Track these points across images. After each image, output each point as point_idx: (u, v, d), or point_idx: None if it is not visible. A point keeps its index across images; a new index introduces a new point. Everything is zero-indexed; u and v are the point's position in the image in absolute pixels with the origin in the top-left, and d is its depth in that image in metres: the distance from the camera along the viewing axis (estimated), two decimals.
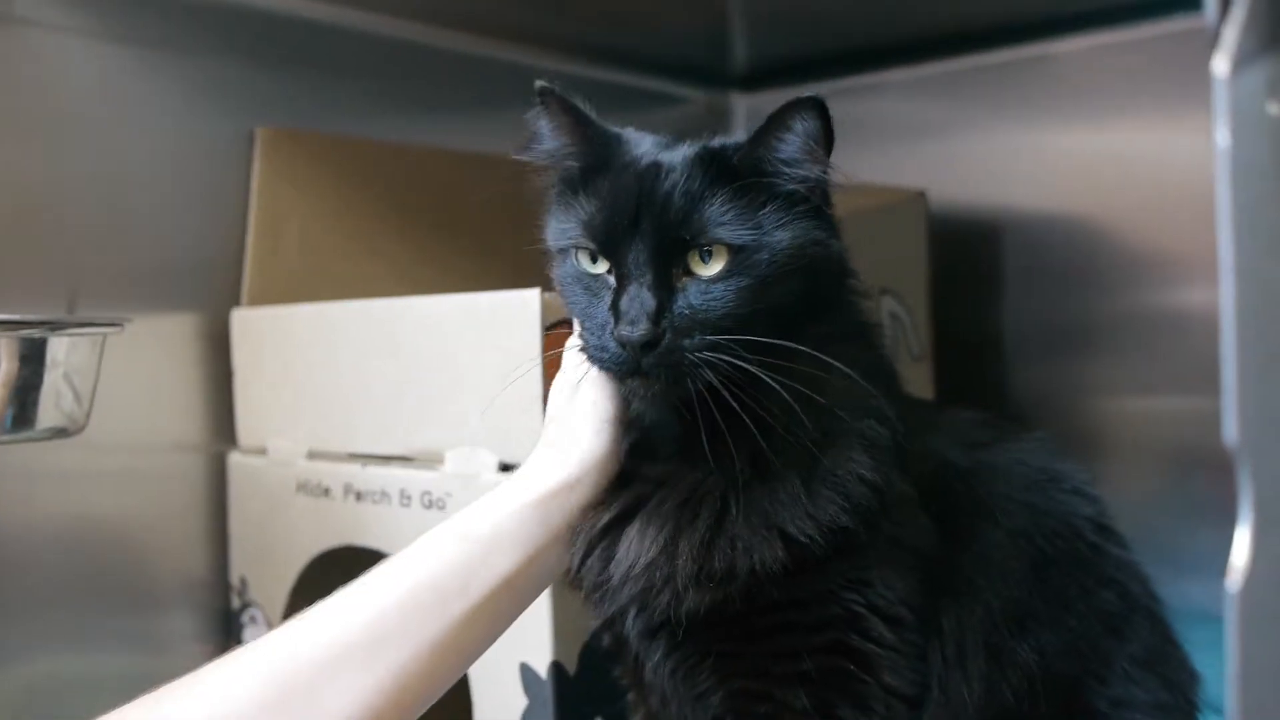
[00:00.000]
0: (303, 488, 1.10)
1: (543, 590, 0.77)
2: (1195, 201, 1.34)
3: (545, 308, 0.92)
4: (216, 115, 1.22)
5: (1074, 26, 1.46)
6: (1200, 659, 0.81)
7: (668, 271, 0.68)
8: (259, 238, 1.22)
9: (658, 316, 0.66)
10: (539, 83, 0.74)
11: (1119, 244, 1.43)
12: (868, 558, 0.70)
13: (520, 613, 0.74)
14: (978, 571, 0.72)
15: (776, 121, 0.68)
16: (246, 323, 1.18)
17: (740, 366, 0.66)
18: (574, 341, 0.76)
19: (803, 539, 0.67)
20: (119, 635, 1.16)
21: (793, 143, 0.68)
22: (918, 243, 1.39)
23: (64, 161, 1.11)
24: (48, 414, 0.85)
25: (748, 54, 1.70)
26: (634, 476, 0.74)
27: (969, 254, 1.52)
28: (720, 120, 1.79)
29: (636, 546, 0.72)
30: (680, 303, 0.67)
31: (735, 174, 0.69)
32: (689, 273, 0.68)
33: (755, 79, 1.77)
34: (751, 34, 1.59)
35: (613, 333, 0.67)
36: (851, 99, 1.66)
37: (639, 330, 0.66)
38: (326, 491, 1.08)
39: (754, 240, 0.68)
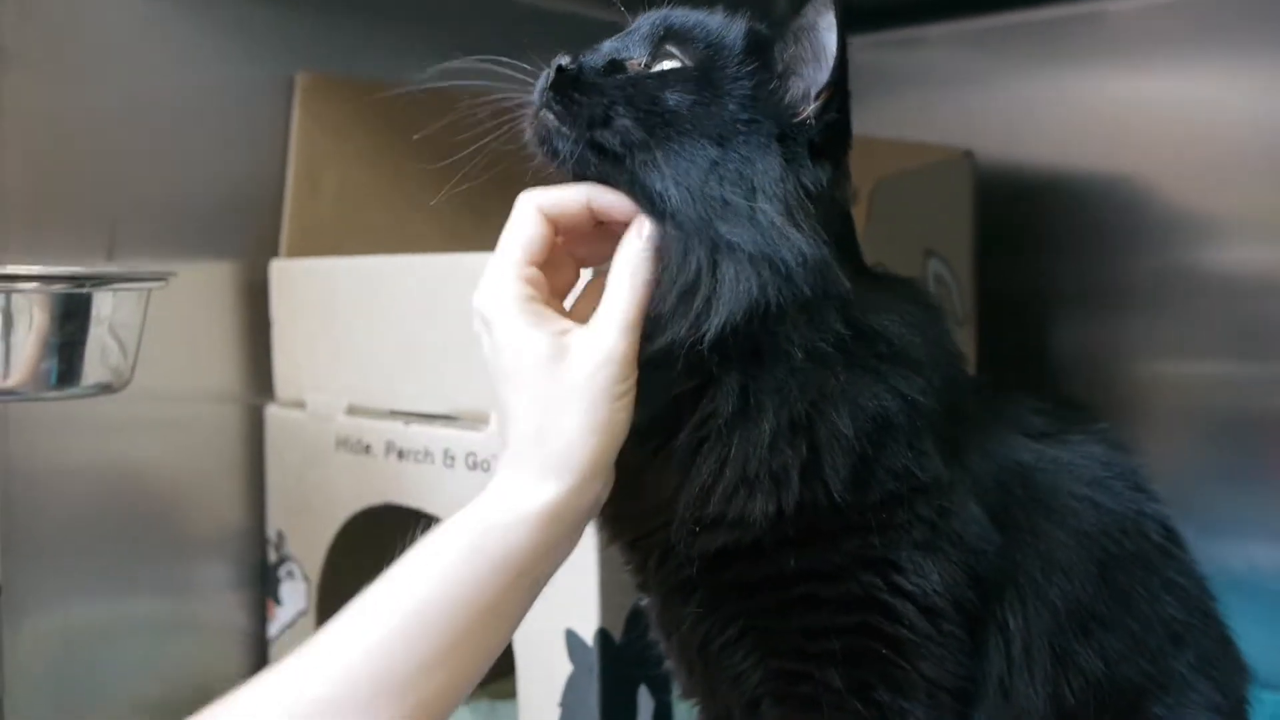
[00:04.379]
0: (343, 444, 1.09)
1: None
2: (1246, 160, 1.34)
3: None
4: (256, 60, 1.19)
5: None
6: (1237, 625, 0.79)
7: None
8: (298, 186, 1.20)
9: None
10: None
11: (1166, 203, 1.40)
12: (895, 539, 0.68)
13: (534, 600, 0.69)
14: (1042, 571, 0.70)
15: None
16: (285, 274, 1.16)
17: None
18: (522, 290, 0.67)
19: (769, 508, 0.66)
20: (156, 583, 1.16)
21: None
22: (964, 204, 1.36)
23: (102, 105, 1.09)
24: (93, 370, 0.83)
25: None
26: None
27: (1013, 213, 1.48)
28: None
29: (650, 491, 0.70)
30: None
31: None
32: None
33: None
34: None
35: None
36: (894, 51, 1.63)
37: None
38: (367, 449, 1.07)
39: None
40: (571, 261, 0.72)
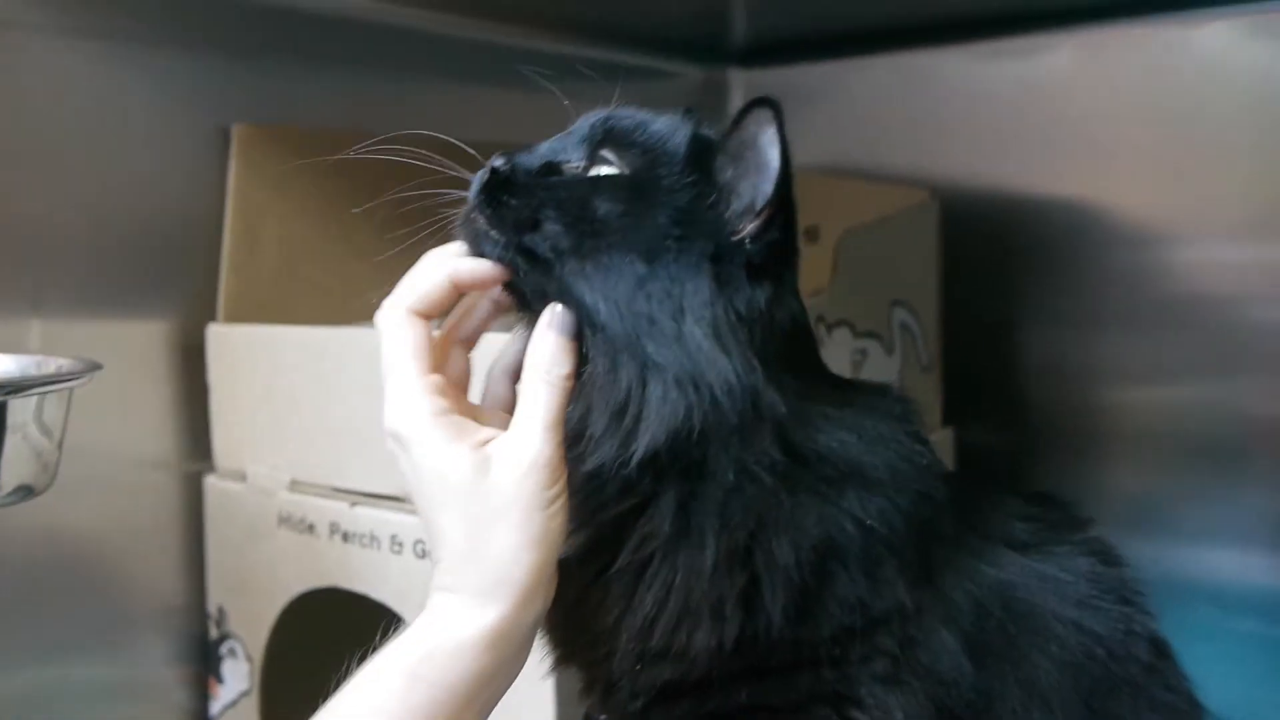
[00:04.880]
0: (285, 521, 1.04)
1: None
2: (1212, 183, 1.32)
3: None
4: (189, 112, 1.13)
5: (1075, 18, 1.40)
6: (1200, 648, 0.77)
7: None
8: (236, 242, 1.14)
9: None
10: None
11: (1126, 231, 1.39)
12: (853, 673, 0.65)
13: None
14: (1023, 702, 0.67)
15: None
16: (223, 340, 1.10)
17: None
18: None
19: (710, 641, 0.63)
20: (92, 652, 1.10)
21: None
22: (930, 248, 1.33)
23: (27, 163, 1.03)
24: (12, 476, 0.78)
25: (748, 30, 1.62)
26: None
27: (973, 243, 1.46)
28: (717, 97, 1.72)
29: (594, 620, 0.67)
30: None
31: None
32: None
33: (755, 55, 1.70)
34: (752, 9, 1.51)
35: None
36: (854, 80, 1.60)
37: None
38: (311, 528, 1.02)
39: None
40: (459, 346, 0.70)
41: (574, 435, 0.64)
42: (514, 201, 0.65)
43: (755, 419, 0.63)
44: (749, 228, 0.64)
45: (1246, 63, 1.29)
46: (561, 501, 0.63)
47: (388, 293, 0.68)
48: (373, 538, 0.97)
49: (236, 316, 1.12)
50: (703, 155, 0.66)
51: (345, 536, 0.99)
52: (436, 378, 0.64)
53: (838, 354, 1.11)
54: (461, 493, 0.61)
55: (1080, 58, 1.42)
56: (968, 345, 1.40)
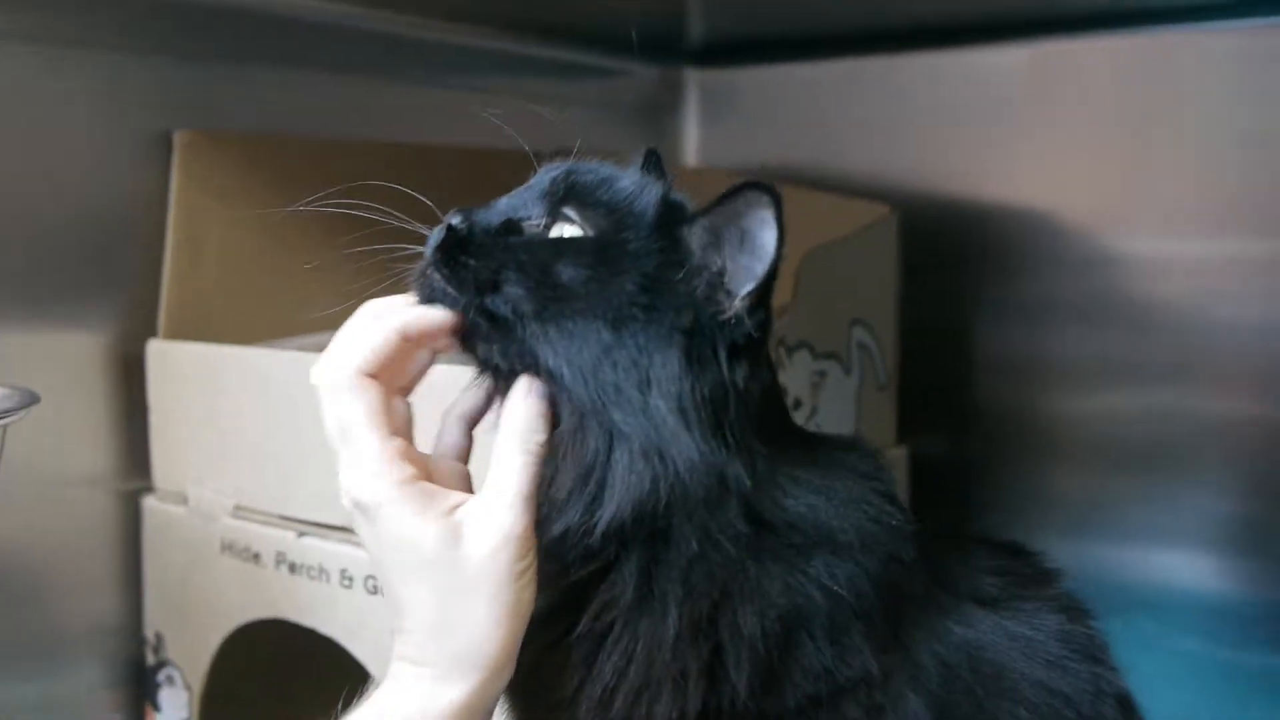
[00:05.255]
0: (228, 548, 1.01)
1: None
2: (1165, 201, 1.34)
3: None
4: (129, 117, 1.08)
5: (1029, 30, 1.41)
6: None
7: None
8: (178, 252, 1.10)
9: None
10: None
11: (1077, 237, 1.39)
12: None
13: None
14: None
15: None
16: (164, 357, 1.06)
17: None
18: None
19: (672, 713, 0.62)
20: (24, 671, 1.07)
21: None
22: (889, 265, 1.31)
23: None
24: None
25: (703, 30, 1.60)
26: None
27: (927, 251, 1.45)
28: (671, 96, 1.69)
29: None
30: None
31: None
32: None
33: (711, 56, 1.67)
34: (707, 9, 1.49)
35: None
36: (810, 83, 1.58)
37: None
38: (256, 557, 0.99)
39: None
40: (398, 394, 0.66)
41: (540, 498, 0.62)
42: (473, 262, 0.63)
43: (721, 492, 0.61)
44: (735, 308, 0.62)
45: (1194, 72, 1.31)
46: (532, 573, 0.61)
47: (343, 306, 0.65)
48: (321, 570, 0.94)
49: (178, 330, 1.08)
50: (673, 221, 0.64)
51: (292, 567, 0.96)
52: (400, 441, 0.61)
53: (797, 377, 1.09)
54: (432, 565, 0.59)
55: (1034, 68, 1.42)
56: (922, 357, 1.39)
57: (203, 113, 1.13)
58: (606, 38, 1.58)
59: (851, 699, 0.64)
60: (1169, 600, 1.33)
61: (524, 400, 0.62)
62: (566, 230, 0.64)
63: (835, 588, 0.63)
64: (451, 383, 0.71)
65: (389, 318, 0.62)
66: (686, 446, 0.60)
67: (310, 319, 1.12)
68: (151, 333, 1.08)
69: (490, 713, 0.62)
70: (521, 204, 0.66)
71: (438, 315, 0.63)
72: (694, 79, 1.70)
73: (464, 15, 1.37)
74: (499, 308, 0.62)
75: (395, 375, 0.65)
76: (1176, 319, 1.33)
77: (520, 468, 0.61)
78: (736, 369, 0.63)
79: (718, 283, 0.63)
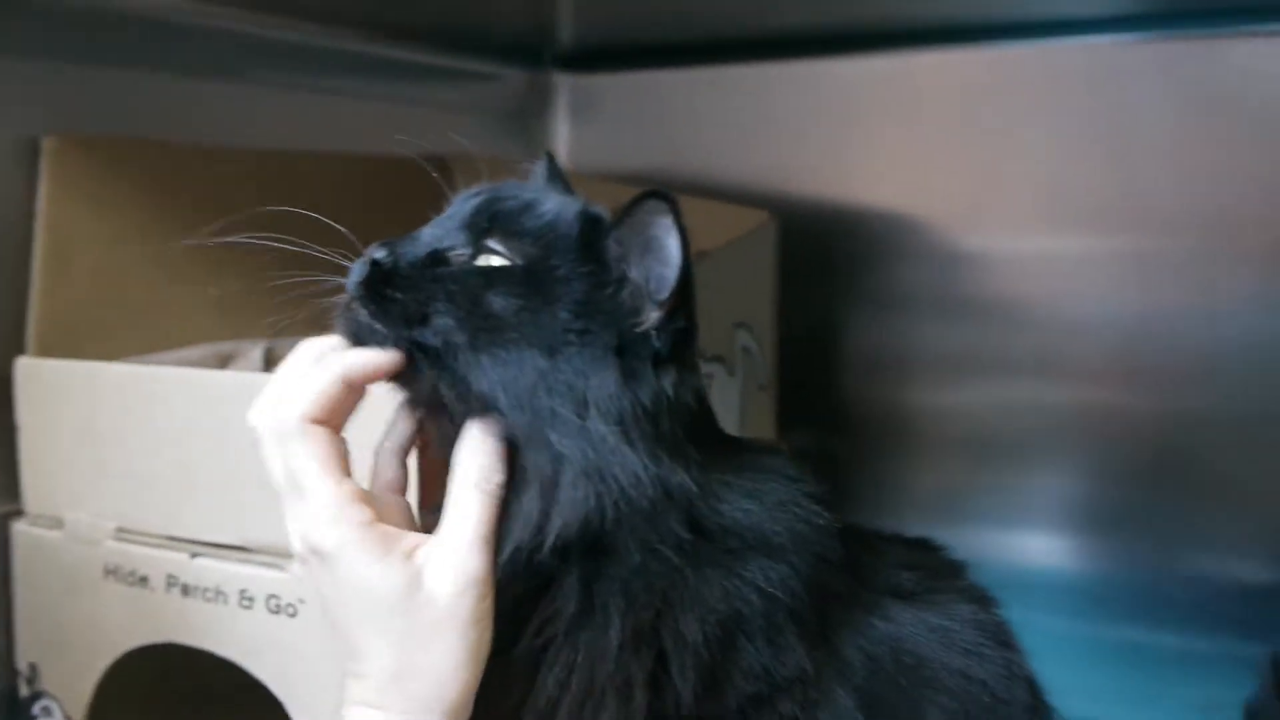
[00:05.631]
0: (112, 573, 0.96)
1: None
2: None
3: None
4: None
5: (900, 42, 1.46)
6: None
7: None
8: (47, 264, 1.04)
9: None
10: None
11: (938, 237, 1.46)
12: None
13: None
14: None
15: None
16: (34, 374, 1.01)
17: None
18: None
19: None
20: None
21: None
22: (768, 269, 1.34)
23: None
24: None
25: (572, 34, 1.61)
26: None
27: (798, 254, 1.49)
28: (540, 100, 1.69)
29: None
30: None
31: None
32: None
33: (580, 60, 1.68)
34: (576, 13, 1.50)
35: None
36: (680, 89, 1.61)
37: None
38: (144, 580, 0.95)
39: None
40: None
41: None
42: (400, 295, 0.63)
43: (666, 502, 0.62)
44: (653, 319, 0.63)
45: (1042, 83, 1.39)
46: (491, 614, 0.61)
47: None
48: (218, 591, 0.91)
49: (48, 347, 1.03)
50: (595, 238, 0.65)
51: (185, 590, 0.93)
52: (354, 484, 0.61)
53: None
54: (392, 610, 0.59)
55: (896, 77, 1.48)
56: (797, 357, 1.43)
57: (71, 117, 1.08)
58: (476, 42, 1.57)
59: (788, 697, 0.66)
60: (1032, 582, 1.40)
61: (480, 442, 0.62)
62: (494, 260, 0.64)
63: (770, 589, 0.65)
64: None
65: (332, 363, 0.62)
66: (630, 463, 0.61)
67: (188, 332, 1.10)
68: (19, 349, 1.03)
69: None
70: (445, 234, 0.65)
71: (380, 358, 0.62)
72: (563, 84, 1.70)
73: (335, 18, 1.34)
74: (429, 339, 0.62)
75: (337, 417, 0.64)
76: (1032, 315, 1.41)
77: (479, 509, 0.61)
78: (665, 377, 0.64)
79: (639, 293, 0.64)
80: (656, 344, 0.63)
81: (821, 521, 0.69)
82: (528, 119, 1.69)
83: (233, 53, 1.25)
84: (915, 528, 0.83)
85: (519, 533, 0.62)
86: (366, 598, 0.59)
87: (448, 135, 1.51)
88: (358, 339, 0.64)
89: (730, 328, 1.23)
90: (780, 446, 0.74)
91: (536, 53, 1.66)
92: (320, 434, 0.61)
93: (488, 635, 0.61)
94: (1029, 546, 1.42)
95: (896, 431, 1.49)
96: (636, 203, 0.63)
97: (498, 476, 0.62)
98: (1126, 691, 1.23)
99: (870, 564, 0.74)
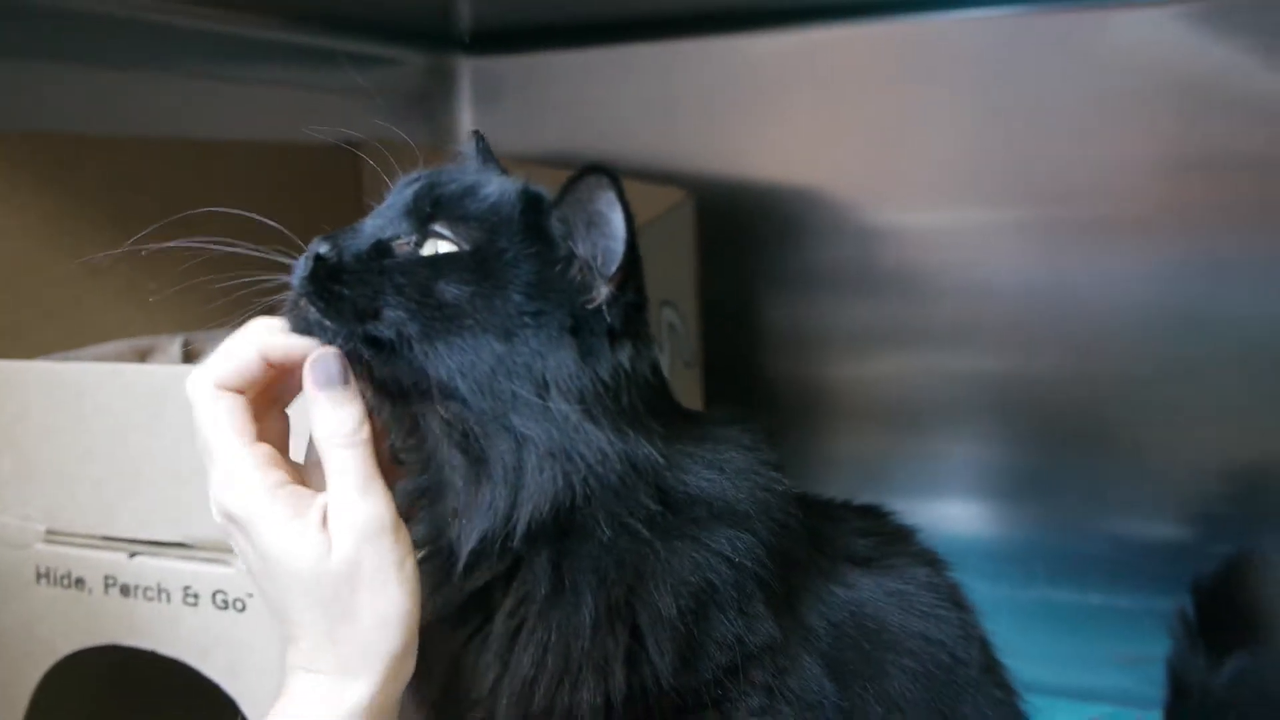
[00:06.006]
0: (45, 576, 0.94)
1: None
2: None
3: None
4: None
5: (804, 17, 1.49)
6: None
7: None
8: None
9: None
10: None
11: (851, 210, 1.49)
12: (731, 710, 0.68)
13: None
14: (884, 715, 0.71)
15: None
16: None
17: None
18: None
19: (596, 699, 0.64)
20: None
21: None
22: (688, 247, 1.35)
23: None
24: None
25: (473, 16, 1.59)
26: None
27: (716, 231, 1.51)
28: (444, 84, 1.68)
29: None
30: None
31: None
32: None
33: (483, 43, 1.67)
34: None
35: None
36: (587, 70, 1.61)
37: None
38: (79, 583, 0.92)
39: None
40: (275, 406, 0.66)
41: (450, 510, 0.64)
42: (347, 291, 0.62)
43: (634, 476, 0.63)
44: (604, 295, 0.64)
45: (944, 56, 1.43)
46: (412, 561, 0.61)
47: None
48: (160, 590, 0.89)
49: None
50: (539, 218, 0.65)
51: (125, 590, 0.91)
52: (266, 447, 0.61)
53: None
54: (311, 571, 0.59)
55: (801, 53, 1.51)
56: (718, 334, 1.45)
57: None
58: (376, 26, 1.55)
59: (758, 665, 0.67)
60: (953, 547, 1.41)
61: (317, 397, 0.61)
62: (441, 246, 0.64)
63: (739, 559, 0.66)
64: None
65: (253, 337, 0.62)
66: (597, 440, 0.62)
67: (106, 327, 1.07)
68: None
69: (395, 710, 0.62)
70: (387, 223, 0.65)
71: (300, 346, 0.62)
72: (466, 66, 1.69)
73: (236, 3, 1.32)
74: (382, 333, 0.62)
75: (269, 391, 0.64)
76: (943, 285, 1.45)
77: (353, 463, 0.60)
78: (621, 352, 0.64)
79: (587, 270, 0.64)
80: (610, 319, 0.64)
81: (780, 488, 0.71)
82: (432, 103, 1.68)
83: (135, 41, 1.22)
84: (839, 497, 0.86)
85: (486, 522, 0.62)
86: (284, 562, 0.59)
87: (352, 121, 1.50)
88: (307, 333, 0.63)
89: (657, 306, 1.24)
90: (740, 416, 0.75)
91: (438, 36, 1.64)
92: (227, 398, 0.61)
93: (412, 585, 0.60)
94: (949, 513, 1.46)
95: (816, 404, 1.52)
96: (577, 179, 0.63)
97: (348, 425, 0.61)
98: (1052, 651, 1.28)
99: (826, 531, 0.76)
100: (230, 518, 0.60)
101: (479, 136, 0.77)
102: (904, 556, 0.77)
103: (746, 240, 1.52)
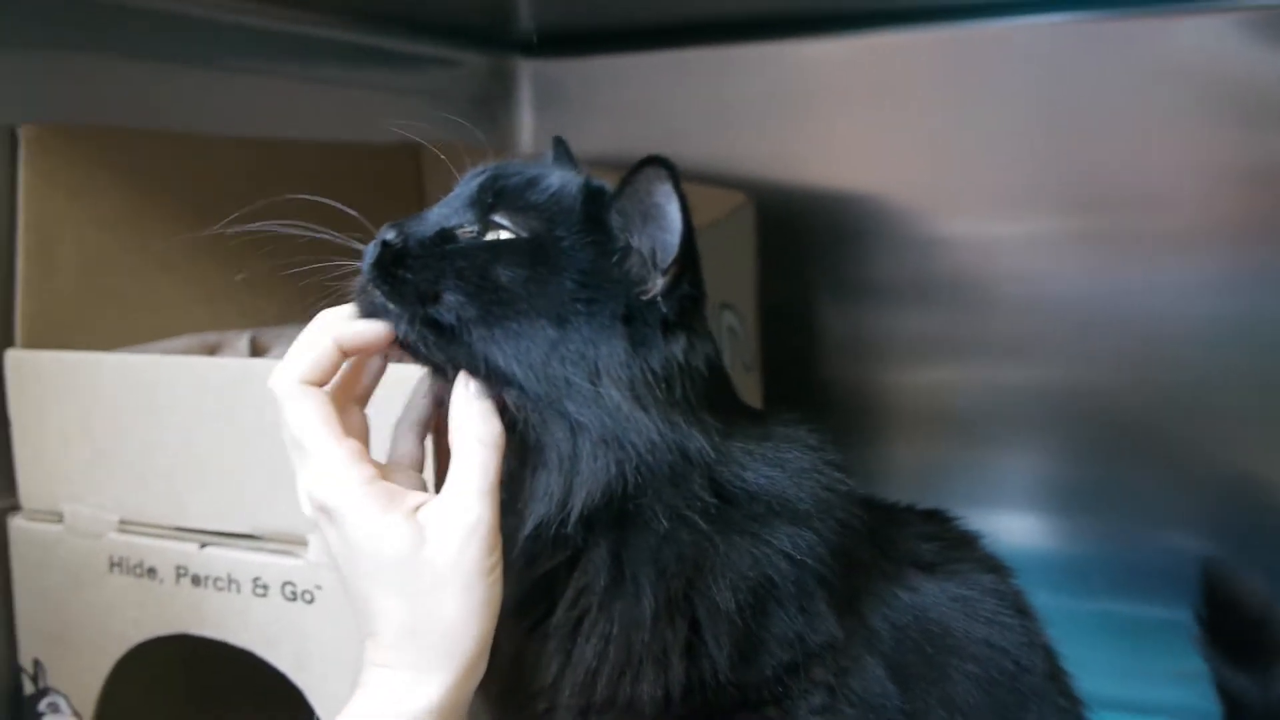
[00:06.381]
0: (118, 565, 0.96)
1: None
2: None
3: None
4: None
5: (863, 23, 1.48)
6: None
7: None
8: (30, 256, 1.03)
9: None
10: None
11: (911, 217, 1.48)
12: (792, 708, 0.68)
13: None
14: (945, 718, 0.71)
15: None
16: (26, 367, 1.00)
17: None
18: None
19: (656, 691, 0.65)
20: None
21: None
22: (748, 251, 1.36)
23: None
24: None
25: (534, 19, 1.60)
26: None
27: (774, 236, 1.51)
28: (504, 86, 1.69)
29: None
30: None
31: None
32: None
33: (543, 46, 1.68)
34: None
35: None
36: (646, 73, 1.61)
37: None
38: (151, 572, 0.94)
39: None
40: (354, 404, 0.68)
41: (510, 497, 0.64)
42: (410, 275, 0.64)
43: (686, 466, 0.64)
44: (659, 286, 0.64)
45: (1004, 63, 1.41)
46: (500, 567, 0.62)
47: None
48: (230, 580, 0.91)
49: (36, 338, 1.02)
50: (599, 209, 0.66)
51: (196, 580, 0.92)
52: (355, 443, 0.62)
53: None
54: (399, 564, 0.60)
55: (860, 59, 1.50)
56: (775, 338, 1.45)
57: (47, 106, 1.06)
58: (437, 27, 1.57)
59: (820, 664, 0.68)
60: (1011, 558, 1.41)
61: (468, 395, 0.63)
62: (502, 235, 0.65)
63: (800, 556, 0.66)
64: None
65: (329, 328, 0.64)
66: (644, 427, 0.62)
67: (174, 322, 1.09)
68: (4, 343, 1.01)
69: (466, 708, 0.63)
70: (452, 212, 0.67)
71: (372, 329, 0.64)
72: (526, 69, 1.70)
73: (304, 3, 1.33)
74: (443, 316, 0.63)
75: (347, 389, 0.66)
76: (1002, 295, 1.44)
77: (480, 462, 0.61)
78: (674, 345, 0.65)
79: (642, 264, 0.65)
80: (664, 310, 0.64)
81: (844, 489, 0.71)
82: (492, 105, 1.69)
83: (204, 40, 1.24)
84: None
85: (543, 508, 0.63)
86: (373, 554, 0.60)
87: (415, 122, 1.51)
88: (374, 319, 0.65)
89: (717, 309, 1.24)
90: (801, 418, 0.75)
91: (499, 38, 1.66)
92: (314, 394, 0.62)
93: (497, 589, 0.62)
94: (1005, 523, 1.44)
95: (872, 411, 1.51)
96: (635, 171, 0.64)
97: (490, 430, 0.62)
98: (1109, 664, 1.26)
99: (891, 535, 0.76)
100: (323, 510, 0.61)
101: (560, 142, 0.78)
102: (968, 562, 0.77)
103: (804, 245, 1.52)
